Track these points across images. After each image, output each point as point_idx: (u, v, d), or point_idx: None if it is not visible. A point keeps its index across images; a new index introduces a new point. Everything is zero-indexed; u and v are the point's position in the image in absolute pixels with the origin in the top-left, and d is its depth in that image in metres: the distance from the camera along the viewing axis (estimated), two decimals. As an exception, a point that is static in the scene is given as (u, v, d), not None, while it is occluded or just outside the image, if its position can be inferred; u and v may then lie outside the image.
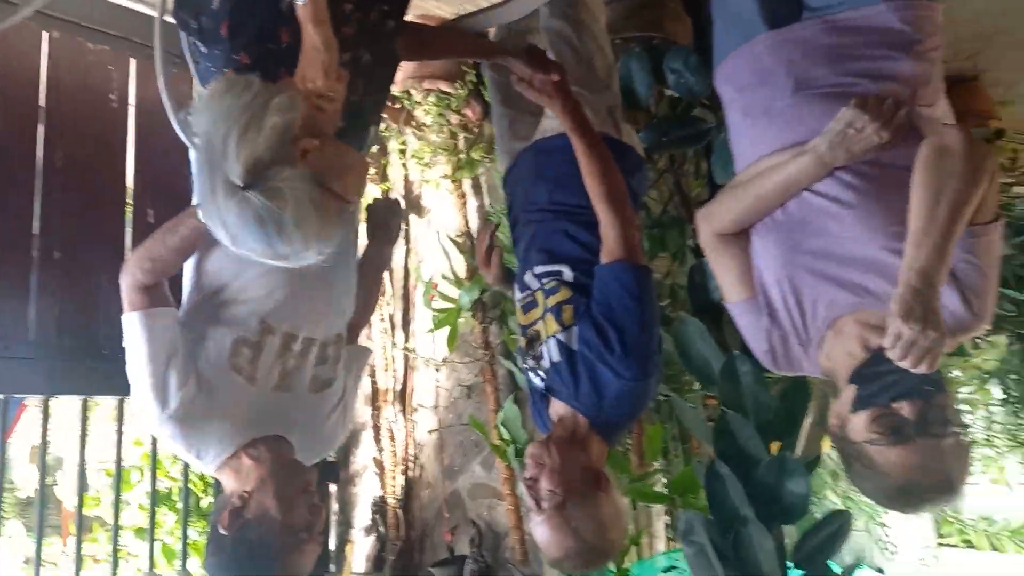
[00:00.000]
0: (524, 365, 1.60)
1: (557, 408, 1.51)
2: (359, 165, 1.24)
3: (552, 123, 1.68)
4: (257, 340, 1.43)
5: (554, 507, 1.36)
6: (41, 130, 2.20)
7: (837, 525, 1.82)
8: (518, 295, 1.64)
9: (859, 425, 1.21)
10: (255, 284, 1.42)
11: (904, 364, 1.12)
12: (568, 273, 1.53)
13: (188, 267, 1.48)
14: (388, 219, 1.84)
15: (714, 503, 1.89)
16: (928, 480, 1.18)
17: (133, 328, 1.37)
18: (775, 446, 1.97)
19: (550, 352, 1.49)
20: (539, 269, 1.57)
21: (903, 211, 1.21)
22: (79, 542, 2.25)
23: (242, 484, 1.37)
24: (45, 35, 2.21)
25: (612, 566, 2.56)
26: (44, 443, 2.21)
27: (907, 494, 1.20)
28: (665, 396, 2.28)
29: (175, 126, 1.33)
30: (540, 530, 1.37)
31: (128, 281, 1.39)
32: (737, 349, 1.98)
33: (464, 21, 1.80)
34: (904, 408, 1.18)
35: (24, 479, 5.24)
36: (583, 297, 1.49)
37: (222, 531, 1.33)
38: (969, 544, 4.91)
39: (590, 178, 1.50)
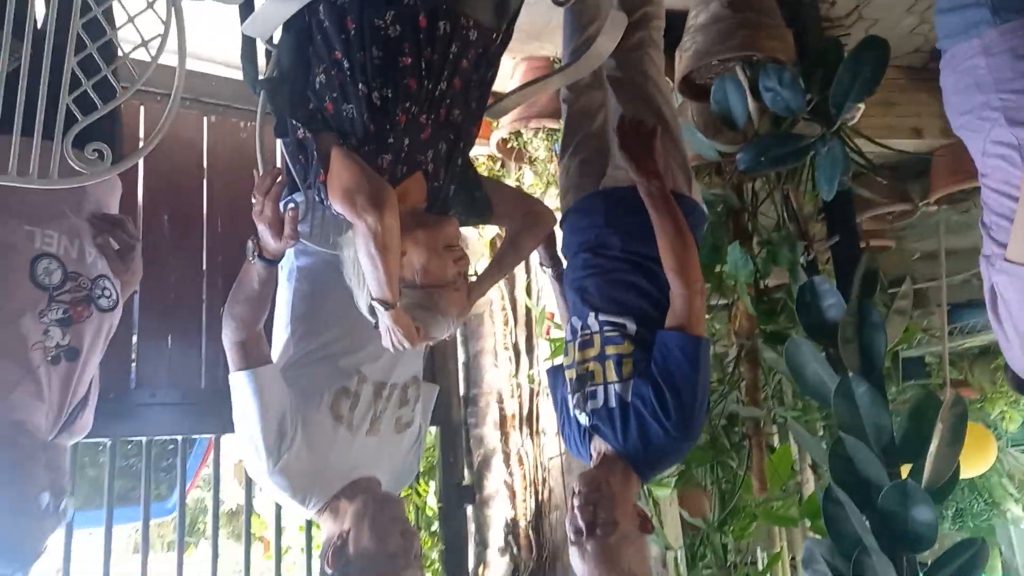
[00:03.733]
0: (570, 397, 1.65)
1: (599, 445, 1.58)
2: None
3: (624, 173, 1.70)
4: (355, 389, 1.52)
5: (608, 536, 1.39)
6: (205, 203, 2.51)
7: (970, 553, 1.70)
8: (574, 328, 1.68)
9: None
10: (350, 336, 1.50)
11: None
12: (632, 326, 1.58)
13: (282, 317, 1.57)
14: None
15: (833, 530, 1.84)
16: None
17: (241, 387, 1.44)
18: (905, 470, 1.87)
19: (607, 397, 1.55)
20: (604, 317, 1.62)
21: None
22: (278, 562, 2.54)
23: (340, 524, 1.46)
24: (205, 120, 2.56)
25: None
26: (216, 478, 2.53)
27: None
28: (783, 418, 2.22)
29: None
30: (589, 556, 1.40)
31: (225, 343, 1.49)
32: (853, 370, 1.91)
33: (535, 85, 1.88)
34: None
35: (229, 494, 5.87)
36: (643, 352, 1.55)
37: (328, 570, 1.44)
38: None
39: (666, 252, 1.55)
